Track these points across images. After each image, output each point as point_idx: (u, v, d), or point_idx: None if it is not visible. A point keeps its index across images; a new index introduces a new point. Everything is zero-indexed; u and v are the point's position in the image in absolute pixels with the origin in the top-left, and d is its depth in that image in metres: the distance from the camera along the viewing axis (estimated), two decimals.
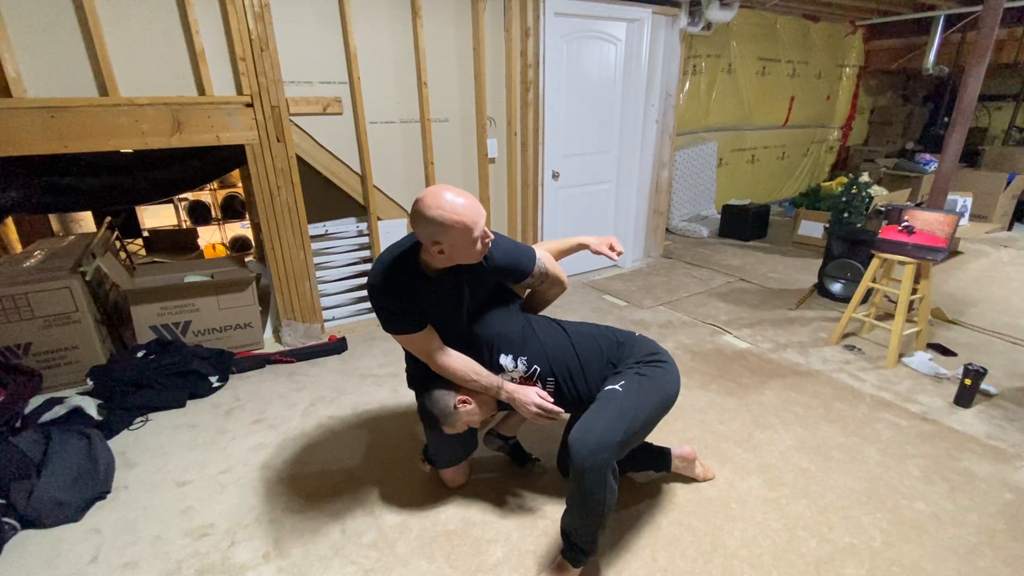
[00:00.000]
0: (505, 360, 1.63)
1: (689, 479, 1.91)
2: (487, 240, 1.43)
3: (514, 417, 1.95)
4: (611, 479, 1.38)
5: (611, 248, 1.80)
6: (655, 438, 1.99)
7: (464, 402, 1.60)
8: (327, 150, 2.87)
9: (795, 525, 1.71)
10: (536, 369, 1.62)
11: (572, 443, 1.37)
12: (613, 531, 1.69)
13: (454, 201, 1.32)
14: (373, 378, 2.67)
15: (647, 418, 1.50)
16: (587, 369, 1.62)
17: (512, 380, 1.65)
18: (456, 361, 1.57)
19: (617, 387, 1.51)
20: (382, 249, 3.14)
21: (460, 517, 1.77)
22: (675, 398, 1.60)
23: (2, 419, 2.04)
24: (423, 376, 1.68)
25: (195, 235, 5.15)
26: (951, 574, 1.54)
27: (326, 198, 3.07)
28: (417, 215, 1.34)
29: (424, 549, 1.64)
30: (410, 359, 1.78)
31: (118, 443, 2.17)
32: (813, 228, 4.83)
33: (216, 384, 2.57)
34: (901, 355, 2.76)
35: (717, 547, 1.63)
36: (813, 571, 1.55)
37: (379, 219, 3.13)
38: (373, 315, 3.35)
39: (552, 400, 1.60)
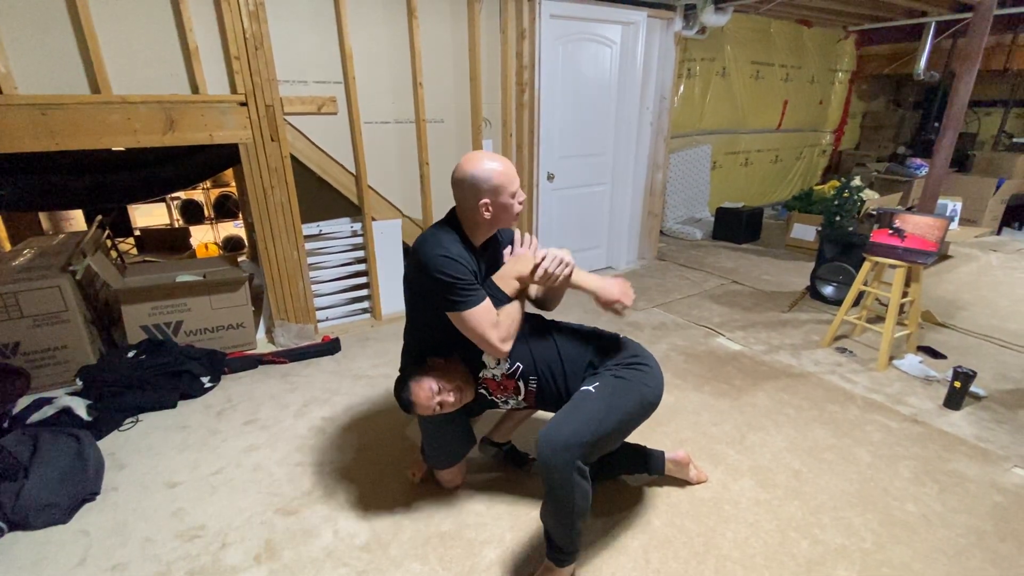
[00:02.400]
0: (487, 356, 1.63)
1: (683, 481, 1.92)
2: (522, 200, 1.56)
3: (506, 423, 1.96)
4: (579, 479, 1.37)
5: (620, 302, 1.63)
6: (648, 440, 2.00)
7: (442, 392, 1.57)
8: (321, 150, 2.86)
9: (787, 526, 1.72)
10: (519, 367, 1.62)
11: (539, 442, 1.38)
12: (606, 532, 1.70)
13: (492, 160, 1.49)
14: (366, 379, 2.66)
15: (620, 421, 1.48)
16: (568, 370, 1.61)
17: (494, 377, 1.64)
18: (506, 315, 1.54)
19: (591, 388, 1.51)
20: (376, 250, 3.16)
21: (453, 518, 1.77)
22: (655, 402, 1.58)
23: None
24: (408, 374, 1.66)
25: (187, 234, 5.11)
26: (941, 575, 1.55)
27: (320, 198, 3.06)
28: (463, 175, 1.48)
29: (417, 551, 1.64)
30: (409, 358, 1.77)
31: (108, 444, 2.14)
32: (805, 231, 4.87)
33: (208, 385, 2.55)
34: (892, 358, 2.78)
35: (710, 548, 1.64)
36: (805, 572, 1.55)
37: (373, 219, 3.12)
38: (367, 316, 3.34)
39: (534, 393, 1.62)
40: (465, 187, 1.49)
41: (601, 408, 1.45)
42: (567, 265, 1.55)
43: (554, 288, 1.68)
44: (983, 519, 1.76)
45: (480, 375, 1.65)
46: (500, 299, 1.56)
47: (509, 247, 1.73)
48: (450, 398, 1.56)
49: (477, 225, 1.55)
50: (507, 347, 1.54)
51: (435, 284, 1.48)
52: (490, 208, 1.50)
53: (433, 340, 1.67)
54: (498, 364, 1.62)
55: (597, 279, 1.59)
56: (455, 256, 1.47)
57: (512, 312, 1.56)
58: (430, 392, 1.55)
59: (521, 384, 1.63)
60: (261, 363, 2.79)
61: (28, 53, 2.14)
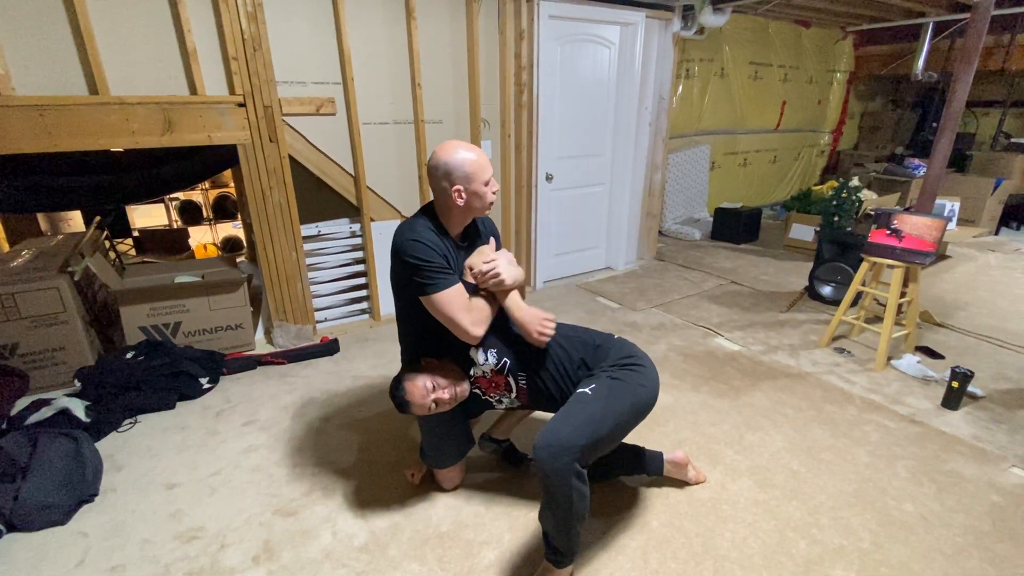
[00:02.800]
0: (474, 353, 1.63)
1: (681, 481, 1.92)
2: (495, 190, 1.59)
3: (507, 420, 1.96)
4: (577, 483, 1.37)
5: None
6: (646, 440, 2.00)
7: (437, 389, 1.57)
8: (320, 151, 2.86)
9: (785, 526, 1.72)
10: (506, 362, 1.62)
11: (536, 446, 1.37)
12: (604, 533, 1.70)
13: (466, 148, 1.55)
14: (365, 380, 2.66)
15: (617, 422, 1.48)
16: (560, 369, 1.62)
17: (484, 375, 1.65)
18: (478, 302, 1.57)
19: (587, 391, 1.50)
20: (375, 250, 3.16)
21: (452, 519, 1.77)
22: (651, 402, 1.58)
23: None
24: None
25: (186, 235, 5.10)
26: (939, 575, 1.55)
27: (319, 199, 3.06)
28: (436, 162, 1.52)
29: (416, 552, 1.64)
30: (406, 360, 1.77)
31: (106, 445, 2.14)
32: (804, 231, 4.87)
33: (206, 386, 2.55)
34: (890, 358, 2.78)
35: (708, 548, 1.64)
36: (803, 572, 1.56)
37: (372, 220, 3.12)
38: (366, 317, 3.34)
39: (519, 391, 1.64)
40: (439, 174, 1.53)
41: (598, 410, 1.44)
42: (501, 282, 1.58)
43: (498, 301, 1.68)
44: (981, 519, 1.76)
45: (472, 374, 1.66)
46: (472, 290, 1.59)
47: (491, 239, 1.75)
48: (444, 395, 1.57)
49: (451, 212, 1.58)
50: (478, 331, 1.55)
51: (405, 268, 1.51)
52: (463, 195, 1.53)
53: (420, 337, 1.68)
54: (486, 360, 1.63)
55: (524, 312, 1.59)
56: (424, 240, 1.50)
57: (483, 299, 1.59)
58: (424, 391, 1.55)
59: (511, 380, 1.64)
60: (260, 364, 2.78)
61: (26, 54, 2.14)
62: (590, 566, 1.58)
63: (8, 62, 2.12)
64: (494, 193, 1.60)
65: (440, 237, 1.56)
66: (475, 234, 1.71)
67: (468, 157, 1.52)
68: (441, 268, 1.51)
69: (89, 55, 2.21)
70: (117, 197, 2.91)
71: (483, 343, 1.62)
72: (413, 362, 1.68)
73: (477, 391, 1.69)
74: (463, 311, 1.53)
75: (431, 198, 1.64)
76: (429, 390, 1.55)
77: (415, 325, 1.68)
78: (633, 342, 1.73)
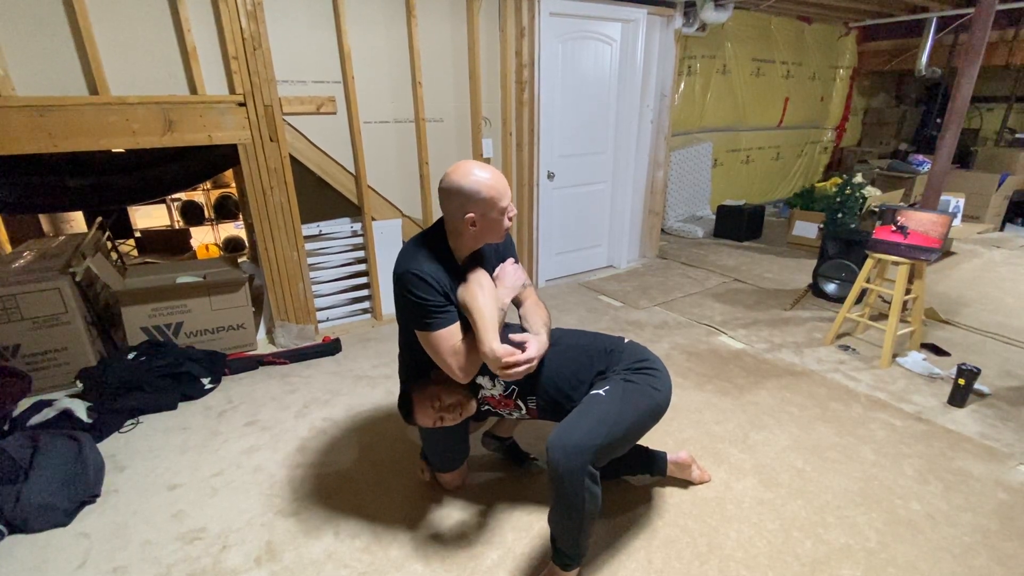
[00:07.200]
0: (482, 380, 1.62)
1: (686, 481, 1.90)
2: (512, 215, 1.49)
3: (509, 419, 1.95)
4: (590, 484, 1.34)
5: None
6: (651, 440, 1.99)
7: (444, 406, 1.57)
8: (321, 150, 2.85)
9: (791, 526, 1.71)
10: (514, 389, 1.60)
11: (549, 446, 1.34)
12: (608, 533, 1.69)
13: (482, 172, 1.41)
14: (367, 379, 2.66)
15: (632, 424, 1.45)
16: (574, 382, 1.58)
17: (493, 396, 1.64)
18: (470, 348, 1.46)
19: (601, 392, 1.48)
20: (376, 250, 3.15)
21: (455, 520, 1.76)
22: (665, 406, 1.56)
23: None
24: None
25: (188, 236, 5.10)
26: (946, 574, 1.54)
27: (320, 198, 3.05)
28: (449, 185, 1.40)
29: (418, 552, 1.63)
30: (408, 374, 1.74)
31: (108, 446, 2.14)
32: (808, 229, 4.85)
33: (208, 386, 2.55)
34: (895, 355, 2.76)
35: (713, 548, 1.63)
36: (809, 572, 1.54)
37: (373, 219, 3.11)
38: (367, 316, 3.33)
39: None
40: (452, 198, 1.41)
41: (612, 411, 1.42)
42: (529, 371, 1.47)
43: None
44: (988, 517, 1.74)
45: (480, 394, 1.65)
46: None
47: (511, 260, 1.68)
48: (451, 412, 1.57)
49: (461, 238, 1.49)
50: (465, 375, 1.48)
51: (402, 300, 1.46)
52: (476, 223, 1.43)
53: (423, 362, 1.59)
54: (493, 386, 1.61)
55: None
56: (425, 275, 1.41)
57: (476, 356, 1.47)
58: (432, 407, 1.55)
59: (521, 403, 1.63)
60: (261, 364, 2.78)
61: (26, 55, 2.14)
62: (594, 567, 1.57)
63: (8, 63, 2.11)
64: (510, 219, 1.48)
65: (443, 266, 1.46)
66: (480, 254, 1.59)
67: (485, 181, 1.39)
68: (438, 307, 1.42)
69: (89, 55, 2.20)
70: (119, 198, 2.91)
71: (489, 372, 1.59)
72: (418, 376, 1.66)
73: (487, 407, 1.68)
74: (452, 355, 1.44)
75: (433, 197, 1.60)
76: (436, 407, 1.55)
77: (418, 348, 1.58)
78: (644, 346, 1.71)
